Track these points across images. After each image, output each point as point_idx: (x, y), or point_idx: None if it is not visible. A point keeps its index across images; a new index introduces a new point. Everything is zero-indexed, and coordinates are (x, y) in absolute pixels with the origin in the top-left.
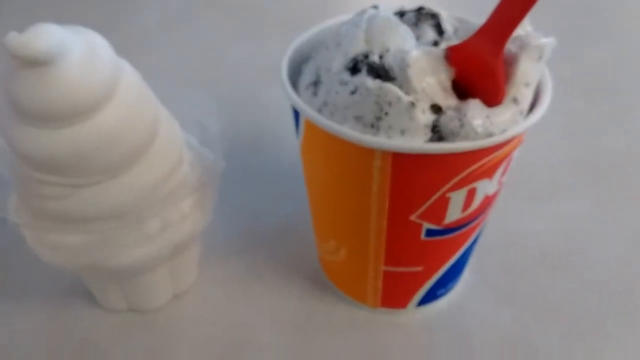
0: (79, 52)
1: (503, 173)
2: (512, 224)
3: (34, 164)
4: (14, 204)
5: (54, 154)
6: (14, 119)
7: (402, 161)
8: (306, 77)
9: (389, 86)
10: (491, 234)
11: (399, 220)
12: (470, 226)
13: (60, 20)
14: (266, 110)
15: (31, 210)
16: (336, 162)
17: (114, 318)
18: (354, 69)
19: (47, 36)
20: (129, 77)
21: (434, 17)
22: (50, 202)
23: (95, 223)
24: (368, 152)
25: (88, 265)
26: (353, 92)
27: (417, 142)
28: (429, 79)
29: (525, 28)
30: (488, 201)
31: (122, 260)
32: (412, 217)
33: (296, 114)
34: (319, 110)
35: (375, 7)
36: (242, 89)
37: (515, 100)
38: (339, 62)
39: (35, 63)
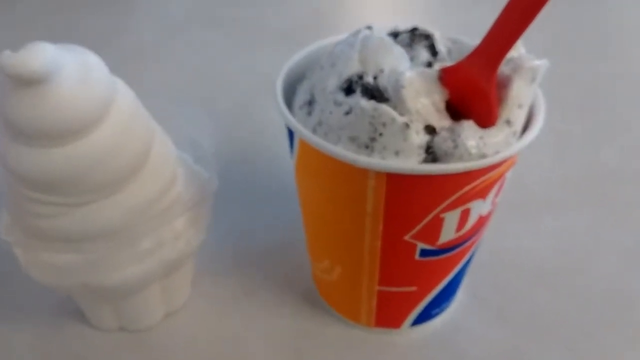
0: (72, 71)
1: (497, 193)
2: (506, 242)
3: (26, 183)
4: (6, 222)
5: (47, 173)
6: (7, 137)
7: (396, 182)
8: (300, 97)
9: (384, 107)
10: (485, 252)
11: (393, 241)
12: (464, 246)
13: (55, 37)
14: (260, 128)
15: (23, 228)
16: (330, 182)
17: (106, 337)
18: (348, 89)
19: (41, 55)
20: (123, 96)
21: (428, 38)
22: (42, 221)
23: (87, 242)
24: (362, 173)
25: (80, 285)
26: (347, 113)
27: (411, 162)
28: (423, 100)
29: (518, 50)
30: (482, 221)
31: (115, 279)
32: (407, 237)
33: (290, 134)
34: (313, 130)
35: (369, 27)
36: (237, 106)
37: (508, 122)
38: (333, 82)
39: (29, 82)
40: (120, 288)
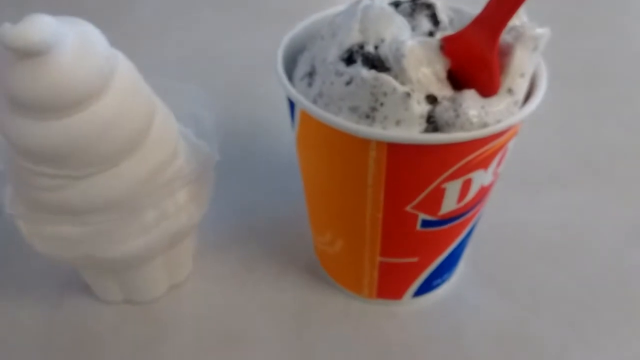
0: (72, 43)
1: (498, 164)
2: (508, 215)
3: (29, 156)
4: (9, 195)
5: (50, 146)
6: (9, 110)
7: (397, 152)
8: (301, 68)
9: (384, 76)
10: (487, 225)
11: (394, 211)
12: (465, 217)
13: (55, 12)
14: (262, 102)
15: (27, 201)
16: (331, 153)
17: (111, 309)
18: (349, 59)
19: (41, 27)
20: (124, 68)
21: (430, 7)
22: (45, 194)
23: (91, 214)
24: (363, 143)
25: (84, 257)
26: (348, 83)
27: (413, 132)
28: (424, 69)
29: (520, 18)
30: (483, 192)
31: (118, 251)
32: (408, 208)
33: (291, 105)
34: (314, 101)
35: None
36: (238, 81)
37: (510, 91)
38: (334, 52)
39: (30, 54)
40: (125, 260)
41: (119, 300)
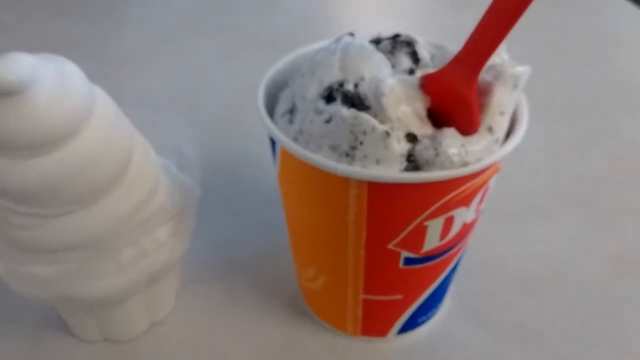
0: (49, 81)
1: (480, 201)
2: (492, 249)
3: (4, 194)
4: None
5: (25, 185)
6: None
7: (378, 190)
8: (282, 105)
9: (364, 115)
10: (472, 259)
11: (376, 249)
12: (449, 254)
13: (44, 44)
14: (246, 135)
15: (3, 239)
16: (312, 191)
17: (90, 348)
18: (329, 97)
19: (17, 65)
20: (102, 105)
21: (410, 44)
22: (21, 232)
23: (67, 253)
24: (344, 182)
25: (60, 296)
26: (328, 121)
27: (393, 171)
28: (404, 107)
29: (501, 56)
30: (466, 229)
31: (95, 291)
32: (390, 246)
33: (272, 142)
34: (295, 139)
35: (351, 34)
36: (223, 113)
37: (490, 129)
38: (314, 90)
39: (5, 93)
40: (102, 299)
41: (98, 339)
